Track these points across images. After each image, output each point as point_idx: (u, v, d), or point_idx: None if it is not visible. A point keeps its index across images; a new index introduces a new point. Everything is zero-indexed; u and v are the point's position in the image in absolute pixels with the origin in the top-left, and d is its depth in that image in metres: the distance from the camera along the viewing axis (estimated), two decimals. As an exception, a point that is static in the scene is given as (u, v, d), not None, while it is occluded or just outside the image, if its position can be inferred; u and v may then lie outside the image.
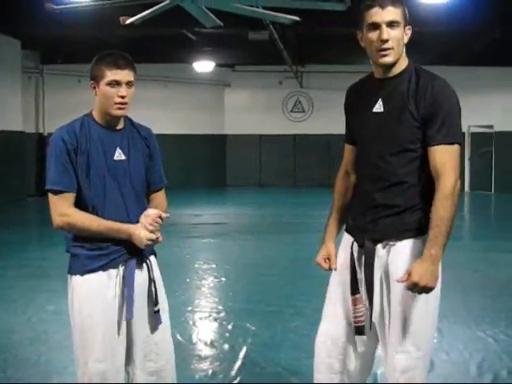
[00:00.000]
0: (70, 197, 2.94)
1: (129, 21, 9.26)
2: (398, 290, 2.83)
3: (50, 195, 2.96)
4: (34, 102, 18.42)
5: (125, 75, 2.95)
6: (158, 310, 3.07)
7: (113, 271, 2.99)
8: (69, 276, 3.04)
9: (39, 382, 4.39)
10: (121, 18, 9.53)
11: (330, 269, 3.09)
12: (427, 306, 2.87)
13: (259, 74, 21.10)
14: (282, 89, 21.50)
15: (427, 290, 2.73)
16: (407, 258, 2.84)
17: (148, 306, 3.08)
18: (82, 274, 2.98)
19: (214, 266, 8.59)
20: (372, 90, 2.94)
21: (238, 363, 4.69)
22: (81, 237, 2.97)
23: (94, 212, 2.95)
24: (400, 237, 2.85)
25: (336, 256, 3.08)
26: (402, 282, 2.74)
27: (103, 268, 2.97)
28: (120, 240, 2.97)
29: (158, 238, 2.99)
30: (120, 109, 2.96)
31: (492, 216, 15.68)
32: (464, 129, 19.06)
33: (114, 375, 3.00)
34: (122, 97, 2.94)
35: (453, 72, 19.24)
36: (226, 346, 5.11)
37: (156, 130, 3.29)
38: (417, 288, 2.72)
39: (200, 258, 9.24)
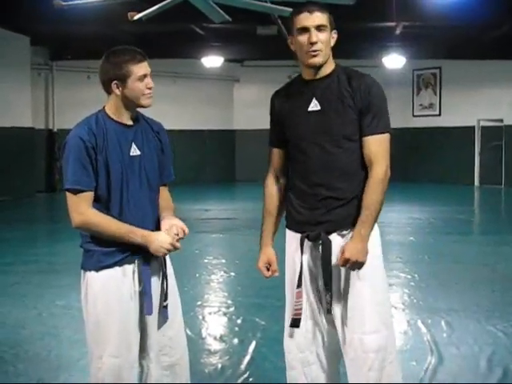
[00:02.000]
0: (89, 196, 2.93)
1: (137, 16, 9.24)
2: (360, 273, 2.97)
3: (69, 195, 2.94)
4: (44, 98, 18.41)
5: (148, 67, 3.02)
6: (166, 306, 3.08)
7: (128, 267, 3.00)
8: (82, 271, 3.04)
9: (50, 376, 4.42)
10: (129, 14, 9.52)
11: (272, 275, 3.22)
12: (386, 286, 3.10)
13: (268, 69, 21.06)
14: (290, 84, 21.44)
15: (358, 265, 2.94)
16: None
17: (161, 301, 3.09)
18: (97, 270, 2.98)
19: (223, 260, 8.61)
20: (303, 91, 3.09)
21: (248, 358, 4.71)
22: None
23: (111, 209, 2.96)
24: (352, 225, 2.99)
25: (277, 261, 3.22)
26: (339, 263, 2.94)
27: (119, 264, 2.98)
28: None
29: (177, 246, 3.02)
30: (150, 98, 3.02)
31: (502, 210, 15.59)
32: (474, 123, 19.23)
33: (128, 370, 3.02)
34: (150, 88, 3.01)
35: (462, 66, 19.37)
36: (236, 341, 5.13)
37: (165, 126, 3.29)
38: (348, 264, 2.92)
39: (209, 252, 9.27)
